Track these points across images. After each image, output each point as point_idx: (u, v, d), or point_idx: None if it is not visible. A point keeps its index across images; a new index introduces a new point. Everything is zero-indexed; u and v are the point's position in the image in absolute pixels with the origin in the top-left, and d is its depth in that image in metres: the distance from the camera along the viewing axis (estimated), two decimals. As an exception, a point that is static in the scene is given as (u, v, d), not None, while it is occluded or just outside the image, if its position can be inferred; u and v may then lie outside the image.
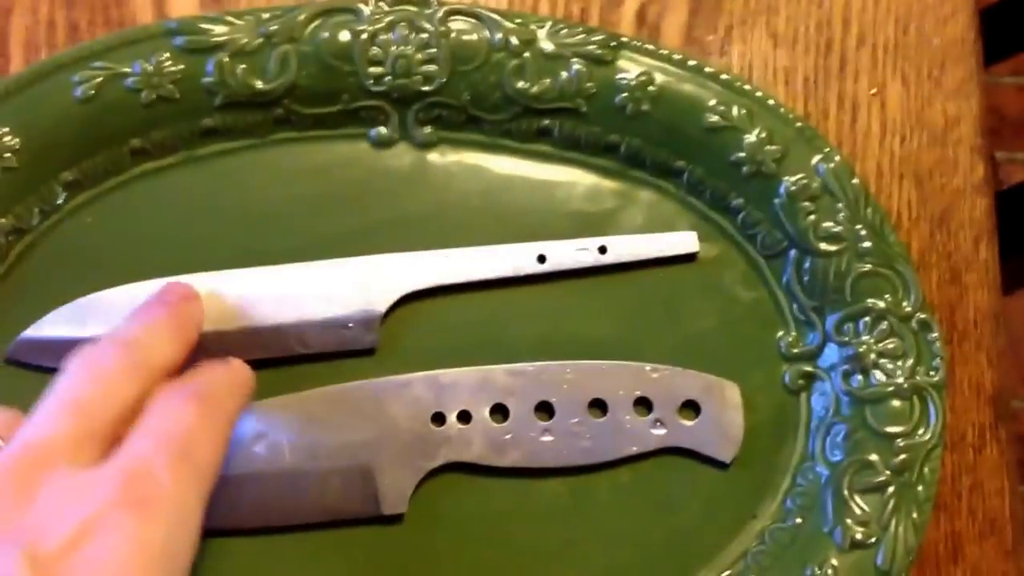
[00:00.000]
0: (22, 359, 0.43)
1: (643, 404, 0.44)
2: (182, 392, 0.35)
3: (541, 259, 0.44)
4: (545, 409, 0.43)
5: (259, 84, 0.44)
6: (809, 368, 0.44)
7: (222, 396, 0.36)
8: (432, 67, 0.44)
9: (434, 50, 0.44)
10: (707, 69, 0.44)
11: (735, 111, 0.44)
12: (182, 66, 0.44)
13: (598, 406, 0.44)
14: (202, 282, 0.43)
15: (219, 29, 0.44)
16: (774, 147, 0.44)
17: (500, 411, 0.43)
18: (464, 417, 0.43)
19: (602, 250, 0.45)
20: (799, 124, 0.44)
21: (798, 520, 0.43)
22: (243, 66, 0.44)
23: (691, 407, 0.44)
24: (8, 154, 0.43)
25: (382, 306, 0.44)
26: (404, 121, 0.45)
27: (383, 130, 0.45)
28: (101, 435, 0.33)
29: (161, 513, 0.31)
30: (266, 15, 0.44)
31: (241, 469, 0.42)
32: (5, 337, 0.43)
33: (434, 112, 0.45)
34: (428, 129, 0.46)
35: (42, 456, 0.31)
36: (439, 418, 0.43)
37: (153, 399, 0.35)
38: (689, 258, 0.45)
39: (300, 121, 0.45)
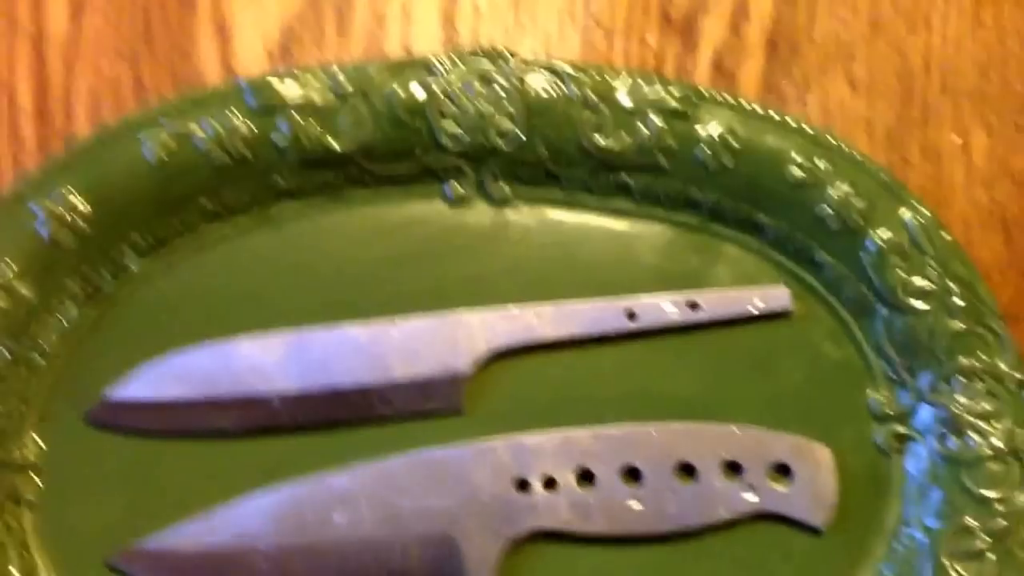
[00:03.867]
0: (104, 421, 0.42)
1: (732, 467, 0.42)
2: None
3: (631, 315, 0.43)
4: (632, 474, 0.42)
5: (332, 143, 0.43)
6: (902, 429, 0.43)
7: None
8: (508, 123, 0.43)
9: (510, 106, 0.43)
10: (790, 122, 0.43)
11: (819, 164, 0.43)
12: (253, 126, 0.43)
13: (686, 470, 0.42)
14: (282, 341, 0.42)
15: (291, 87, 0.43)
16: (860, 201, 0.43)
17: (586, 476, 0.42)
18: (549, 483, 0.42)
19: (692, 306, 0.44)
20: (885, 177, 0.43)
21: (894, 586, 0.42)
22: (315, 124, 0.43)
23: (782, 470, 0.43)
24: (79, 219, 0.42)
25: (468, 365, 0.43)
26: (480, 178, 0.44)
27: (458, 187, 0.45)
28: None
29: None
30: (338, 72, 0.43)
31: (321, 537, 0.41)
32: (83, 401, 0.43)
33: (511, 168, 0.44)
34: (504, 185, 0.45)
35: None
36: (523, 484, 0.42)
37: None
38: (781, 315, 0.44)
39: (374, 179, 0.44)
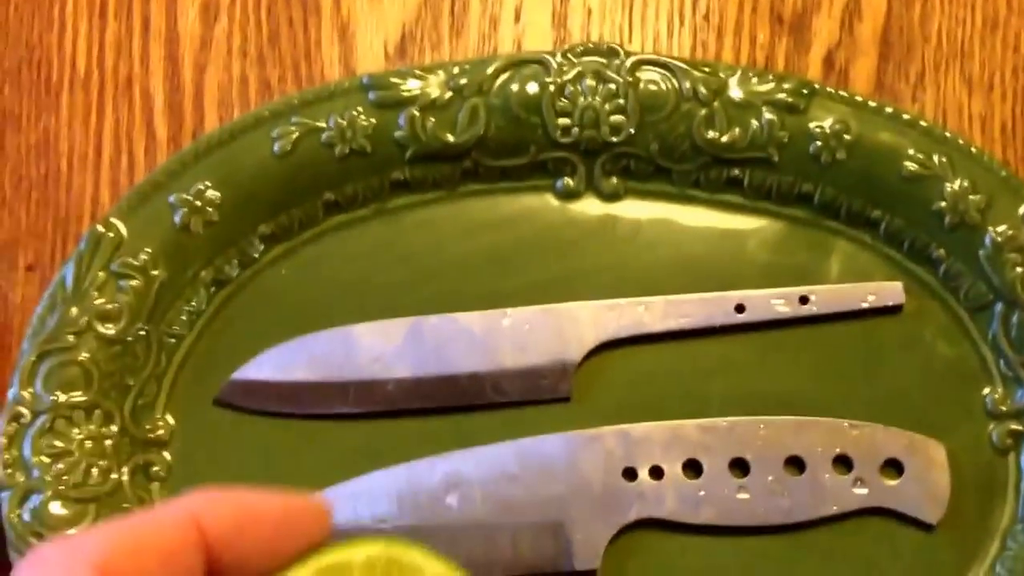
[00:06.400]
0: (231, 401, 0.44)
1: (842, 462, 0.42)
2: None
3: (739, 309, 0.44)
4: (740, 466, 0.42)
5: (449, 137, 0.44)
6: (1018, 427, 0.42)
7: None
8: (620, 118, 0.44)
9: (622, 101, 0.44)
10: (904, 116, 0.43)
11: (935, 159, 0.43)
12: (374, 120, 0.44)
13: (795, 464, 0.42)
14: (400, 329, 0.44)
15: (410, 84, 0.44)
16: (977, 196, 0.42)
17: (693, 467, 0.43)
18: (656, 472, 0.42)
19: (803, 300, 0.44)
20: (1004, 173, 0.43)
21: (1008, 585, 0.41)
22: (433, 119, 0.44)
23: (893, 466, 0.42)
24: (210, 208, 0.44)
25: (577, 355, 0.43)
26: (591, 172, 0.45)
27: (570, 181, 0.45)
28: None
29: None
30: (456, 69, 0.45)
31: (434, 520, 0.42)
32: (210, 381, 0.44)
33: (621, 163, 0.45)
34: (615, 180, 0.45)
35: None
36: (630, 473, 0.43)
37: None
38: (893, 310, 0.44)
39: (488, 173, 0.45)
